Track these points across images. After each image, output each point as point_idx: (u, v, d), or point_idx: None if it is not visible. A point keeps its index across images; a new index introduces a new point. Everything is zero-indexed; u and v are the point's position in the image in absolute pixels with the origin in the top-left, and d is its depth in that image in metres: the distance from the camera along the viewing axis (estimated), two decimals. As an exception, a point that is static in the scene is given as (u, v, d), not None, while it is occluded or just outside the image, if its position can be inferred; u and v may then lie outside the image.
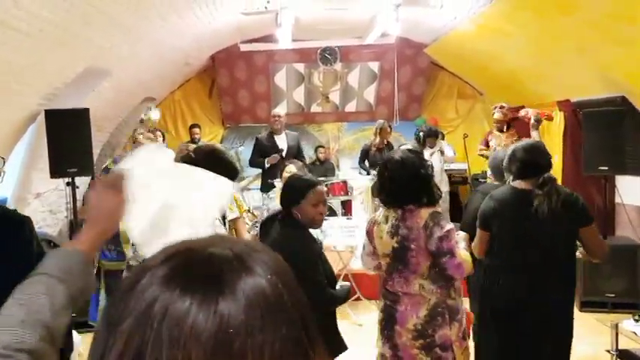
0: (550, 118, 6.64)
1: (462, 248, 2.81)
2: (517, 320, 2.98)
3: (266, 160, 6.74)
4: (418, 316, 2.61)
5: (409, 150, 2.94)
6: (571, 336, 3.05)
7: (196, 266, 0.57)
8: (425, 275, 2.63)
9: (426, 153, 7.55)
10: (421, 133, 7.59)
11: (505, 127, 7.18)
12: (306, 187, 2.88)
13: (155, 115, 2.89)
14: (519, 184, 3.09)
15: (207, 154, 2.75)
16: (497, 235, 3.05)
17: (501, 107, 7.06)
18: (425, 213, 2.63)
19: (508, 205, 3.02)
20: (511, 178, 3.16)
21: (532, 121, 6.27)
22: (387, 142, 7.69)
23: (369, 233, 2.87)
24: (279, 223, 2.88)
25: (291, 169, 4.57)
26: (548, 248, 2.95)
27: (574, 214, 2.97)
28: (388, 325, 2.70)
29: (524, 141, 3.39)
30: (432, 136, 7.67)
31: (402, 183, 2.68)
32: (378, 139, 7.51)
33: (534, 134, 6.03)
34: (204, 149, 2.83)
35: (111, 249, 3.43)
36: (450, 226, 2.65)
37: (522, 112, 6.63)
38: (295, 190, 2.89)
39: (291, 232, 2.81)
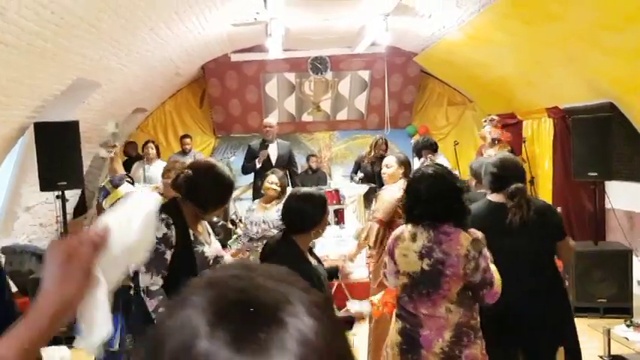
0: (507, 142, 6.85)
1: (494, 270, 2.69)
2: (509, 332, 2.97)
3: (256, 161, 6.76)
4: (443, 339, 2.54)
5: (436, 164, 2.84)
6: (560, 342, 3.06)
7: (242, 312, 0.56)
8: (453, 300, 2.55)
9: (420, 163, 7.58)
10: (414, 143, 7.64)
11: (496, 142, 7.15)
12: (323, 208, 2.74)
13: (112, 128, 2.87)
14: (494, 197, 3.12)
15: (207, 170, 2.73)
16: None
17: (492, 120, 7.05)
18: (465, 240, 2.52)
19: (483, 219, 2.97)
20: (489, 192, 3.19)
21: (489, 140, 6.44)
22: (382, 155, 7.66)
23: (391, 252, 2.73)
24: (284, 243, 2.69)
25: (272, 179, 4.51)
26: (527, 260, 2.96)
27: (550, 228, 3.02)
28: (412, 349, 2.59)
29: (497, 155, 3.41)
30: (428, 147, 7.68)
31: (437, 199, 2.56)
32: (372, 153, 7.49)
33: (490, 151, 6.21)
34: (203, 166, 2.79)
35: None
36: (489, 254, 2.59)
37: (483, 131, 6.80)
38: (311, 215, 2.69)
39: (295, 258, 2.62)
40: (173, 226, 2.60)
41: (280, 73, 9.29)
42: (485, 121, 7.18)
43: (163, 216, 2.58)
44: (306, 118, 9.77)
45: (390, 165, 4.24)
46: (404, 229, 2.70)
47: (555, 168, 6.88)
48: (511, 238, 2.91)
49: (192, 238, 2.67)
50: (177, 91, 9.55)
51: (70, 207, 6.78)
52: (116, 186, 3.31)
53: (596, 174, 5.50)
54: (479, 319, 2.65)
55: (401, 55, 9.12)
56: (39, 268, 5.67)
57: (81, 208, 7.84)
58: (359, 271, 5.67)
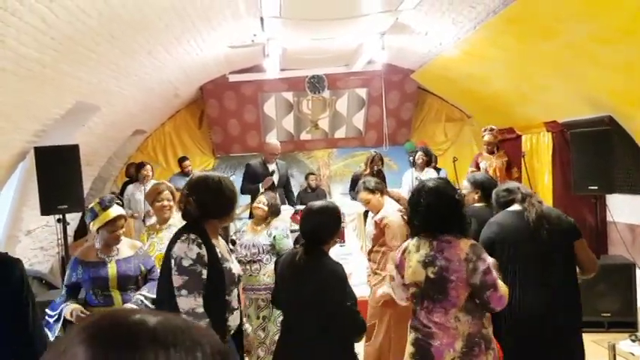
0: (504, 152, 7.34)
1: (498, 278, 2.75)
2: (534, 337, 3.03)
3: (260, 185, 6.67)
4: (455, 349, 2.57)
5: (440, 178, 2.93)
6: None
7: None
8: (462, 307, 2.59)
9: (417, 173, 7.59)
10: (412, 154, 7.67)
11: (495, 149, 7.24)
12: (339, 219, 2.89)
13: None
14: (511, 208, 3.29)
15: (199, 181, 2.72)
16: (502, 259, 3.09)
17: (491, 130, 7.12)
18: (465, 245, 2.60)
19: (510, 228, 3.16)
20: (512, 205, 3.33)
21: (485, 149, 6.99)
22: (379, 170, 7.67)
23: (400, 265, 2.79)
24: (313, 255, 2.79)
25: (261, 199, 4.49)
26: (551, 265, 3.06)
27: (566, 227, 3.14)
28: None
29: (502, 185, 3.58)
30: (424, 153, 7.74)
31: (437, 211, 2.65)
32: (368, 170, 7.50)
33: (485, 162, 6.87)
34: (195, 181, 2.75)
35: (97, 293, 3.24)
36: (490, 259, 2.64)
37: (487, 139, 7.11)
38: (331, 227, 2.87)
39: (330, 260, 2.82)
40: (204, 245, 2.58)
41: (278, 93, 9.34)
42: (484, 130, 7.22)
43: (192, 236, 2.57)
44: (304, 136, 9.80)
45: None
46: (409, 242, 2.78)
47: (555, 182, 6.88)
48: (535, 243, 3.05)
49: (219, 255, 2.66)
50: (176, 113, 9.59)
51: (71, 230, 6.76)
52: (105, 208, 3.26)
53: (596, 187, 5.50)
54: (489, 328, 2.68)
55: (398, 72, 9.18)
56: (40, 292, 5.64)
57: (81, 231, 7.82)
58: (359, 288, 5.64)
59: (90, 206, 3.30)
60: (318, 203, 3.00)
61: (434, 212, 2.66)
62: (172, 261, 2.55)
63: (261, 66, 8.12)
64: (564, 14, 4.60)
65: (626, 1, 4.08)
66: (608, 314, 5.30)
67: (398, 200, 4.70)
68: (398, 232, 4.05)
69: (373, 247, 4.35)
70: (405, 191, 7.83)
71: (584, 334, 4.92)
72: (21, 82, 4.23)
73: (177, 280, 2.53)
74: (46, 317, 3.19)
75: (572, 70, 5.47)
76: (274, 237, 4.30)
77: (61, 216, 5.28)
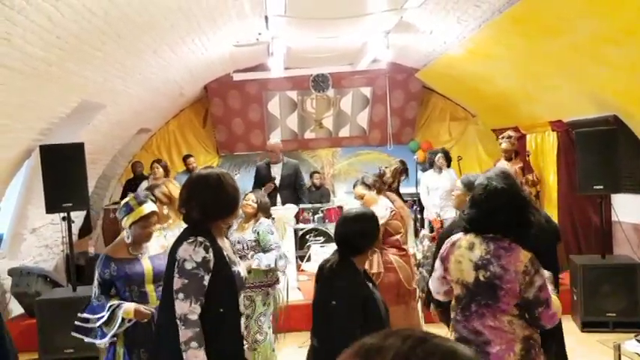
0: (521, 159, 7.28)
1: (552, 292, 2.62)
2: None
3: (263, 190, 6.69)
4: (514, 352, 2.49)
5: (507, 178, 2.67)
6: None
7: None
8: (514, 313, 2.51)
9: (436, 174, 7.56)
10: (431, 155, 7.64)
11: (513, 156, 7.15)
12: (377, 226, 2.76)
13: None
14: None
15: (196, 181, 2.60)
16: None
17: (509, 137, 7.05)
18: (524, 257, 2.47)
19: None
20: None
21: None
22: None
23: (444, 257, 2.69)
24: (341, 265, 2.65)
25: (250, 197, 4.47)
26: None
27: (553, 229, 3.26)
28: None
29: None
30: (444, 156, 7.68)
31: (505, 215, 2.52)
32: (392, 180, 7.43)
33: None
34: (201, 184, 2.59)
35: (133, 290, 3.13)
36: (547, 273, 2.56)
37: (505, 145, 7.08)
38: (369, 235, 2.70)
39: (352, 278, 2.63)
40: (211, 250, 2.44)
41: (282, 92, 9.34)
42: (502, 137, 7.14)
43: (200, 239, 2.43)
44: (308, 135, 9.80)
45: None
46: (461, 237, 2.65)
47: (560, 181, 6.86)
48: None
49: (227, 259, 2.53)
50: (181, 111, 9.61)
51: (76, 228, 6.78)
52: (140, 203, 3.18)
53: (601, 187, 5.48)
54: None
55: (402, 71, 9.16)
56: (45, 290, 5.67)
57: (86, 229, 7.85)
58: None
59: (125, 201, 3.22)
60: (354, 210, 2.87)
61: (501, 216, 2.52)
62: (176, 263, 2.44)
63: (266, 65, 8.12)
64: (569, 13, 4.59)
65: (631, 0, 4.06)
66: (614, 314, 5.30)
67: (393, 202, 4.72)
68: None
69: None
70: (423, 192, 7.79)
71: (589, 334, 4.92)
72: (27, 80, 4.24)
73: (176, 282, 2.40)
74: (84, 323, 3.05)
75: (578, 70, 5.45)
76: (258, 232, 4.28)
77: (66, 214, 5.30)
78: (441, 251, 2.76)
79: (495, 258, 2.49)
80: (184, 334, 2.36)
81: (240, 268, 2.65)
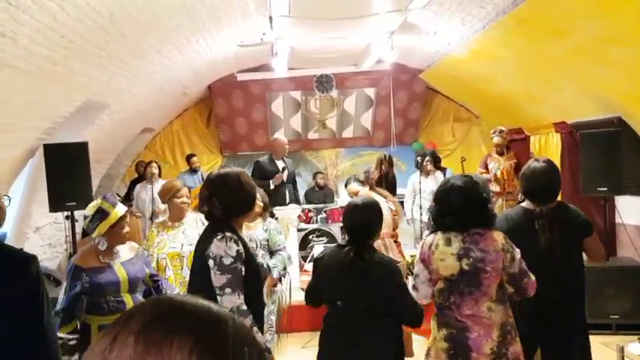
0: (514, 154, 7.38)
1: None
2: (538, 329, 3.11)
3: (271, 182, 6.66)
4: (492, 338, 2.65)
5: (466, 176, 2.95)
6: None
7: None
8: (493, 297, 2.68)
9: (423, 177, 7.56)
10: (419, 158, 7.63)
11: (505, 150, 7.21)
12: (381, 215, 2.92)
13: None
14: (527, 204, 3.34)
15: (218, 179, 2.69)
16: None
17: (500, 131, 7.10)
18: (498, 236, 2.69)
19: (517, 224, 3.22)
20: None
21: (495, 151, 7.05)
22: (388, 171, 7.61)
23: (426, 259, 2.81)
24: (366, 250, 2.79)
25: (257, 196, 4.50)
26: (559, 262, 3.12)
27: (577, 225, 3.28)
28: (461, 353, 2.67)
29: (535, 163, 3.43)
30: (432, 157, 7.70)
31: (468, 209, 2.71)
32: (377, 171, 7.47)
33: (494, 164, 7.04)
34: (215, 180, 2.70)
35: (110, 300, 3.03)
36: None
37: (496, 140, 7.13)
38: (376, 222, 2.88)
39: (381, 254, 2.85)
40: (240, 242, 2.57)
41: (286, 92, 9.35)
42: (493, 132, 7.19)
43: (229, 234, 2.55)
44: (312, 135, 9.80)
45: None
46: (434, 237, 2.81)
47: (564, 183, 6.80)
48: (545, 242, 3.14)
49: (252, 251, 2.66)
50: (184, 111, 9.62)
51: (79, 227, 6.79)
52: (114, 205, 3.07)
53: (605, 189, 5.47)
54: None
55: (406, 72, 9.16)
56: (48, 289, 5.67)
57: (89, 229, 7.86)
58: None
59: (93, 207, 3.05)
60: (360, 199, 3.01)
61: (465, 211, 2.70)
62: (211, 261, 2.52)
63: (270, 65, 8.13)
64: (574, 14, 4.58)
65: (636, 1, 4.05)
66: (617, 316, 5.28)
67: (386, 197, 4.77)
68: (386, 224, 4.10)
69: None
70: (409, 193, 7.82)
71: (592, 336, 4.89)
72: (31, 79, 4.25)
73: (219, 279, 2.50)
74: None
75: (582, 71, 5.44)
76: (269, 231, 4.27)
77: (69, 213, 5.31)
78: (419, 256, 2.89)
79: (473, 244, 2.67)
80: (244, 323, 2.43)
81: (262, 259, 2.77)
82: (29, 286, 2.17)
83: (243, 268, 2.54)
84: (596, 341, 4.92)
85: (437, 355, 2.75)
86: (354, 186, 4.66)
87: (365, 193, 4.59)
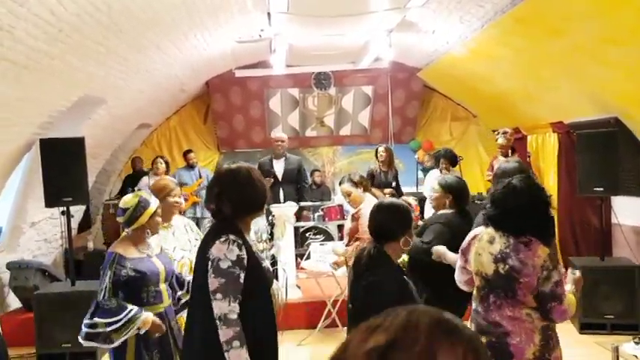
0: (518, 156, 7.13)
1: (569, 291, 2.69)
2: None
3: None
4: (534, 343, 2.55)
5: (527, 177, 2.81)
6: None
7: None
8: (531, 305, 2.58)
9: (437, 173, 7.53)
10: (433, 160, 7.61)
11: (509, 152, 7.15)
12: (409, 217, 2.76)
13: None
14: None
15: (228, 174, 2.59)
16: None
17: (504, 132, 7.04)
18: (543, 252, 2.54)
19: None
20: None
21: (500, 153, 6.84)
22: (392, 165, 7.60)
23: (464, 249, 2.79)
24: (377, 253, 2.66)
25: None
26: None
27: None
28: None
29: (507, 164, 3.47)
30: (447, 158, 7.64)
31: (527, 214, 2.58)
32: (379, 163, 7.50)
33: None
34: (230, 178, 2.57)
35: (150, 290, 3.02)
36: (563, 270, 2.67)
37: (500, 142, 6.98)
38: (399, 223, 2.71)
39: (388, 267, 2.67)
40: (244, 247, 2.42)
41: (284, 89, 9.34)
42: (497, 133, 7.14)
43: (232, 237, 2.40)
44: (309, 133, 9.80)
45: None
46: (482, 230, 2.74)
47: (560, 183, 6.86)
48: None
49: (257, 254, 2.52)
50: (182, 107, 9.60)
51: (75, 222, 6.78)
52: (149, 195, 3.13)
53: (602, 189, 5.48)
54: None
55: (404, 70, 9.16)
56: (43, 284, 5.67)
57: (85, 224, 7.85)
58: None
59: (135, 198, 3.08)
60: (387, 200, 2.95)
61: (523, 215, 2.57)
62: (209, 262, 2.38)
63: (268, 62, 8.12)
64: (572, 14, 4.58)
65: (634, 1, 4.05)
66: (612, 316, 5.30)
67: (379, 198, 4.77)
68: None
69: (349, 241, 4.44)
70: (427, 191, 7.77)
71: (587, 336, 4.91)
72: (29, 74, 4.24)
73: (212, 282, 2.36)
74: (92, 328, 2.89)
75: (579, 71, 5.45)
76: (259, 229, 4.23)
77: (65, 208, 5.29)
78: (463, 244, 2.85)
79: (514, 252, 2.56)
80: (226, 333, 2.31)
81: (267, 262, 2.67)
82: None
83: (242, 275, 2.38)
84: (590, 341, 4.95)
85: None
86: (346, 186, 4.65)
87: (358, 194, 4.59)
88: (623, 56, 4.68)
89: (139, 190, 3.74)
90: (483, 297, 2.67)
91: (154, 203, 3.11)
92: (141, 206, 3.05)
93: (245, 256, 2.40)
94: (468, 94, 8.85)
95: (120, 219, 3.11)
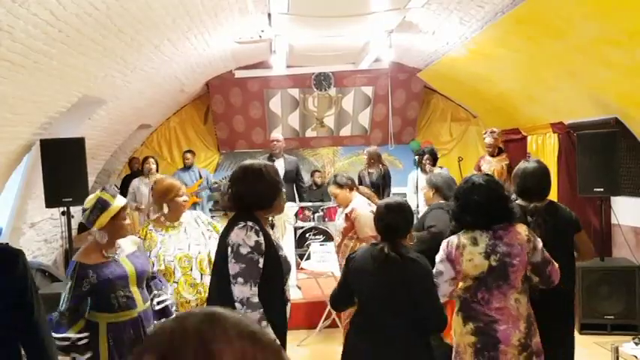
0: (507, 156, 7.27)
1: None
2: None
3: None
4: (520, 330, 2.72)
5: (486, 174, 3.01)
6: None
7: None
8: (519, 289, 2.74)
9: (422, 174, 7.54)
10: (416, 157, 7.62)
11: (496, 152, 7.18)
12: (412, 216, 2.88)
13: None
14: (520, 202, 3.40)
15: (244, 177, 2.64)
16: None
17: (492, 132, 7.08)
18: (521, 228, 2.77)
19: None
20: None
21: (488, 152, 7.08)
22: (383, 166, 7.70)
23: (454, 259, 2.80)
24: (402, 249, 2.71)
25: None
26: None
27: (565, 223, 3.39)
28: (489, 346, 2.70)
29: (528, 163, 3.52)
30: (430, 155, 7.68)
31: (490, 207, 2.75)
32: (368, 167, 7.63)
33: (487, 165, 6.97)
34: (239, 174, 2.66)
35: (119, 295, 2.90)
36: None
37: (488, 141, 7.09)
38: (406, 223, 2.82)
39: (415, 253, 2.77)
40: (261, 233, 2.51)
41: (284, 89, 9.34)
42: (485, 132, 7.19)
43: (250, 223, 2.50)
44: (309, 133, 9.80)
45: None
46: (459, 238, 2.82)
47: (560, 183, 6.85)
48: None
49: (275, 242, 2.61)
50: (182, 108, 9.61)
51: (75, 223, 6.78)
52: (114, 196, 2.96)
53: (602, 189, 5.48)
54: None
55: (404, 71, 9.16)
56: (43, 284, 5.66)
57: (85, 225, 7.84)
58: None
59: (93, 199, 2.94)
60: (393, 200, 2.98)
61: (487, 209, 2.75)
62: (229, 248, 2.48)
63: (268, 62, 8.11)
64: (572, 15, 4.58)
65: (635, 2, 4.05)
66: (612, 317, 5.30)
67: (369, 198, 4.82)
68: (368, 223, 4.14)
69: (342, 240, 4.52)
70: (409, 190, 7.82)
71: (587, 336, 4.92)
72: (28, 74, 4.23)
73: (233, 267, 2.46)
74: (64, 342, 2.81)
75: (580, 72, 5.45)
76: None
77: (65, 209, 5.30)
78: (444, 255, 2.85)
79: (499, 239, 2.73)
80: (252, 316, 2.40)
81: (285, 252, 2.73)
82: (18, 281, 2.17)
83: (261, 260, 2.48)
84: (590, 341, 4.94)
85: (464, 349, 2.79)
86: (332, 188, 4.78)
87: (344, 195, 4.72)
88: (623, 57, 4.68)
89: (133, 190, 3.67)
90: (471, 292, 2.80)
91: (118, 204, 2.95)
92: (98, 207, 2.89)
93: (262, 242, 2.49)
94: (468, 94, 8.85)
95: (82, 219, 3.05)
